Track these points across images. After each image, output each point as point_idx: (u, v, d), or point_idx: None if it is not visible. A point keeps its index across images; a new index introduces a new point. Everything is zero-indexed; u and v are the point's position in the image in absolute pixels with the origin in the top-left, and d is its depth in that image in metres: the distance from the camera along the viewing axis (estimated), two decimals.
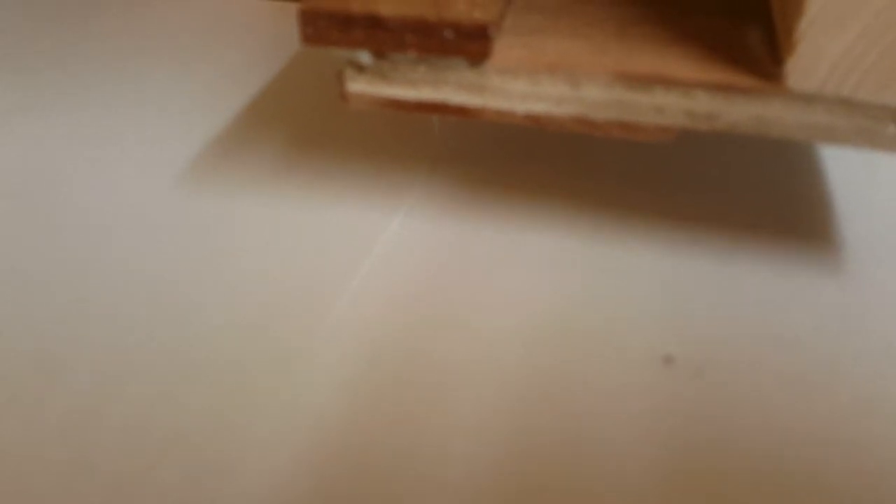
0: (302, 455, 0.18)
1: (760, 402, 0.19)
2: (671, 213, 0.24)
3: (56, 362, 0.20)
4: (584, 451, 0.18)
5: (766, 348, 0.20)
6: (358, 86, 0.20)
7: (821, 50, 0.17)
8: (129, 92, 0.31)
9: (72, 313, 0.21)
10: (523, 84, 0.19)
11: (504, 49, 0.19)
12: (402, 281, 0.22)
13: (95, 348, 0.20)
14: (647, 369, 0.20)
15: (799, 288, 0.22)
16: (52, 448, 0.18)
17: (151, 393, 0.19)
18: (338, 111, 0.29)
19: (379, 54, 0.19)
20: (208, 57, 0.33)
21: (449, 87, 0.19)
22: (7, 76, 0.32)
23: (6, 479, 0.17)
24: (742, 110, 0.18)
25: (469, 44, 0.18)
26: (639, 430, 0.18)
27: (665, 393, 0.19)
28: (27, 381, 0.20)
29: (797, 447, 0.18)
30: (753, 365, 0.20)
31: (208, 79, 0.31)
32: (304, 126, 0.29)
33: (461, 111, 0.20)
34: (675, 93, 0.18)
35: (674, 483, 0.17)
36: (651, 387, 0.19)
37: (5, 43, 0.35)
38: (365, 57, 0.19)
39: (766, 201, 0.25)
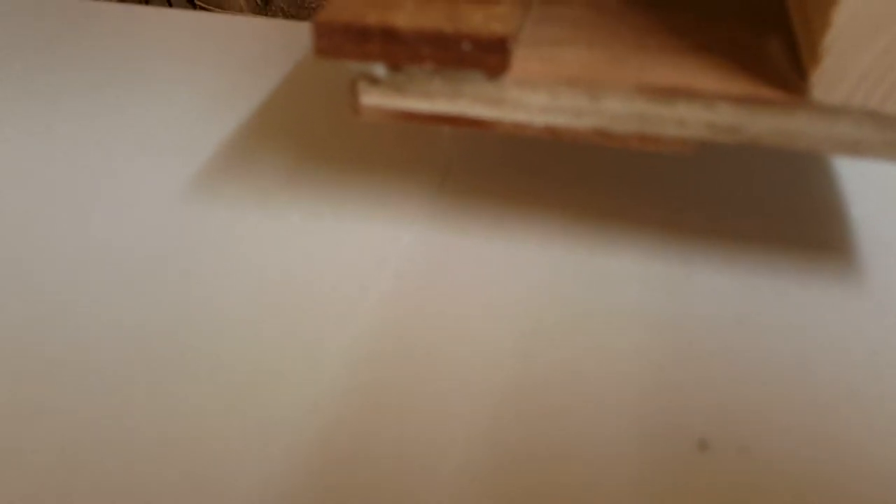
0: (301, 460, 0.18)
1: (778, 414, 0.19)
2: (685, 227, 0.24)
3: (58, 368, 0.20)
4: (578, 453, 0.18)
5: (780, 363, 0.20)
6: (371, 99, 0.19)
7: (847, 62, 0.16)
8: (132, 106, 0.30)
9: (77, 322, 0.21)
10: (542, 97, 0.18)
11: (522, 61, 0.19)
12: (411, 296, 0.22)
13: (101, 354, 0.20)
14: (656, 378, 0.20)
15: (815, 301, 0.22)
16: (49, 449, 0.18)
17: (152, 399, 0.19)
18: (344, 122, 0.29)
19: (394, 67, 0.19)
20: (208, 72, 0.33)
21: (465, 99, 0.19)
22: (13, 89, 0.32)
23: (8, 472, 0.17)
24: (766, 123, 0.18)
25: (487, 56, 0.18)
26: (631, 432, 0.18)
27: (671, 398, 0.19)
28: (27, 384, 0.19)
29: (816, 454, 0.18)
30: (767, 379, 0.20)
31: (209, 93, 0.31)
32: (310, 137, 0.28)
33: (476, 123, 0.20)
34: (697, 105, 0.18)
35: (670, 484, 0.17)
36: (658, 393, 0.19)
37: (14, 56, 0.34)
38: (379, 70, 0.19)
39: (779, 212, 0.25)
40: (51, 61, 0.33)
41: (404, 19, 0.18)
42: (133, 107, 0.30)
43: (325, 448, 0.18)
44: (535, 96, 0.18)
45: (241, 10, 0.91)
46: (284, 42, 0.35)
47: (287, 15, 0.95)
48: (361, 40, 0.18)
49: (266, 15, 0.92)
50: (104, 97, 0.31)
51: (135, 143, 0.28)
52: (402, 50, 0.18)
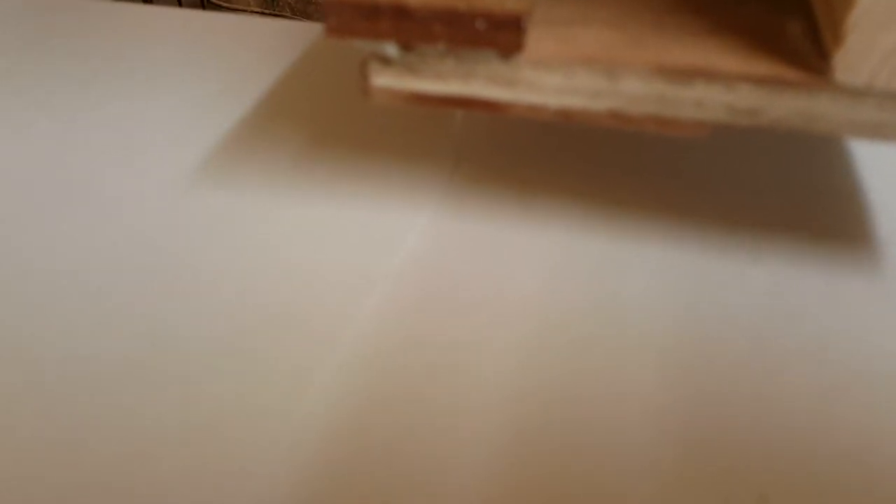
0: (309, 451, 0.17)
1: (788, 409, 0.18)
2: (701, 215, 0.24)
3: (69, 352, 0.19)
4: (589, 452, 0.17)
5: (795, 353, 0.20)
6: (383, 80, 0.19)
7: (871, 43, 0.16)
8: (140, 99, 0.30)
9: (90, 307, 0.21)
10: (558, 77, 0.18)
11: (536, 41, 0.18)
12: (421, 286, 0.22)
13: (111, 342, 0.20)
14: (670, 374, 0.19)
15: (833, 291, 0.21)
16: (59, 436, 0.18)
17: (160, 385, 0.19)
18: (354, 106, 0.28)
19: (406, 46, 0.18)
20: (212, 65, 0.32)
21: (479, 80, 0.19)
22: (30, 84, 0.31)
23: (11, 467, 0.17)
24: (787, 105, 0.17)
25: (502, 35, 0.17)
26: (650, 433, 0.18)
27: (687, 413, 0.19)
28: (36, 369, 0.19)
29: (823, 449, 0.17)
30: (781, 366, 0.19)
31: (212, 87, 0.31)
32: (320, 122, 0.28)
33: (489, 106, 0.19)
34: (717, 86, 0.17)
35: (684, 480, 0.17)
36: (675, 407, 0.19)
37: (31, 56, 0.34)
38: (391, 49, 0.18)
39: (797, 199, 0.24)
40: (52, 59, 0.33)
41: None
42: (140, 101, 0.30)
43: (329, 446, 0.18)
44: (550, 77, 0.18)
45: (248, 5, 0.91)
46: (287, 41, 0.34)
47: (294, 10, 0.95)
48: (372, 18, 0.18)
49: (274, 9, 0.92)
50: (105, 92, 0.30)
51: (141, 134, 0.28)
52: (414, 28, 0.18)
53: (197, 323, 0.20)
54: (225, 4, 0.80)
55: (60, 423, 0.18)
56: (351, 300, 0.21)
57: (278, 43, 0.34)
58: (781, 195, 0.24)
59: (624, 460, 0.17)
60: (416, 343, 0.20)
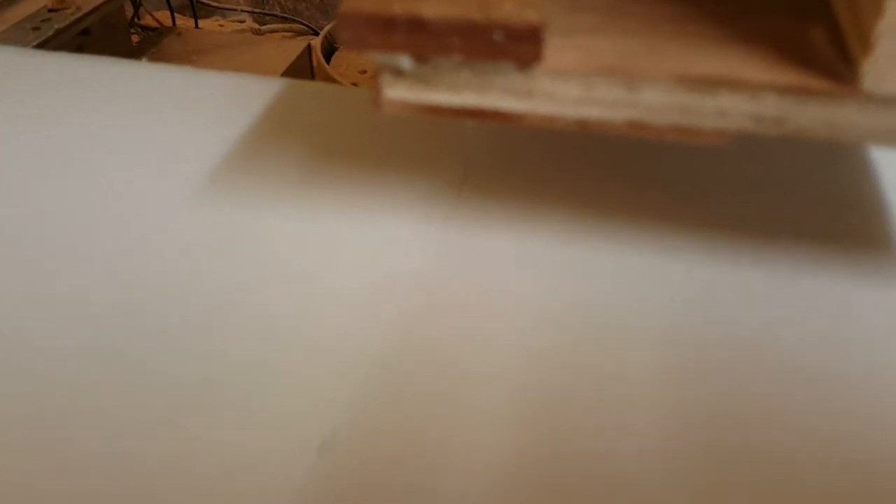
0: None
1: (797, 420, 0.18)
2: (713, 222, 0.23)
3: (86, 363, 0.19)
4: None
5: (811, 360, 0.19)
6: (396, 92, 0.19)
7: None
8: (141, 125, 0.29)
9: (100, 319, 0.20)
10: (576, 88, 0.18)
11: (554, 51, 0.18)
12: (431, 292, 0.21)
13: (120, 357, 0.20)
14: (683, 377, 0.19)
15: (851, 298, 0.21)
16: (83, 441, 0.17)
17: (168, 400, 0.19)
18: (360, 119, 0.28)
19: (421, 58, 0.18)
20: (209, 89, 0.31)
21: (494, 92, 0.18)
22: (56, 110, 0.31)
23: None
24: (813, 114, 0.17)
25: (519, 46, 0.17)
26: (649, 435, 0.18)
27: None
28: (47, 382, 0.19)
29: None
30: (796, 373, 0.19)
31: (212, 105, 0.29)
32: (325, 134, 0.27)
33: (503, 116, 0.19)
34: (741, 96, 0.17)
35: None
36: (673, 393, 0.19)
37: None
38: (405, 61, 0.18)
39: (814, 206, 0.24)
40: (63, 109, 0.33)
41: (432, 8, 0.17)
42: (140, 127, 0.29)
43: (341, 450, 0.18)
44: (568, 88, 0.18)
45: (238, 4, 0.90)
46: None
47: (284, 9, 0.94)
48: (387, 31, 0.17)
49: (264, 9, 0.91)
50: (112, 115, 0.30)
51: (145, 152, 0.27)
52: (429, 40, 0.17)
53: (189, 333, 0.20)
54: (215, 4, 0.79)
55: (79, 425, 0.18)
56: (359, 311, 0.21)
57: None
58: (797, 201, 0.24)
59: (625, 466, 0.17)
60: (421, 363, 0.20)
